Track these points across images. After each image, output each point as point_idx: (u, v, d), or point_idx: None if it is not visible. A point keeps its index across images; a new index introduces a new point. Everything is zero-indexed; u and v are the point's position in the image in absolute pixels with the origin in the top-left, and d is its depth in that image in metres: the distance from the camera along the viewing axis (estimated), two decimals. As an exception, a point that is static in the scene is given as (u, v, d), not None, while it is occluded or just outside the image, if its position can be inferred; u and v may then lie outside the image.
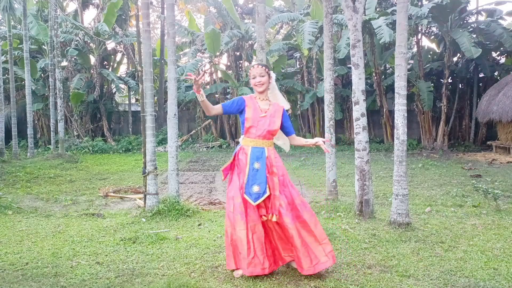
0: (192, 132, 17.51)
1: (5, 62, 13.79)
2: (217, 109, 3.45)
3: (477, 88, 16.19)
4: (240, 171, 3.39)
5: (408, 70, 12.21)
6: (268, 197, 3.33)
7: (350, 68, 10.39)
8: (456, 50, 14.50)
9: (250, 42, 16.51)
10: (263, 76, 3.42)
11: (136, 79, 16.97)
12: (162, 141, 15.77)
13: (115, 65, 19.05)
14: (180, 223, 5.12)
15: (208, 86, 17.79)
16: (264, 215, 3.35)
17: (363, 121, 5.21)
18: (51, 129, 13.19)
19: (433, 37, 16.36)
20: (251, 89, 15.91)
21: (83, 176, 9.42)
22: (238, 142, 15.76)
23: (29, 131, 12.65)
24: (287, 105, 3.61)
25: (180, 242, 4.29)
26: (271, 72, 3.51)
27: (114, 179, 9.18)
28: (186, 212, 5.43)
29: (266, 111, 3.42)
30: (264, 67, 3.44)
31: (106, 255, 3.92)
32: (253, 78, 3.45)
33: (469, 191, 7.10)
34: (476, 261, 3.66)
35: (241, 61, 17.36)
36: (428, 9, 12.47)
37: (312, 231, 3.30)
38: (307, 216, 3.32)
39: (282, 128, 3.50)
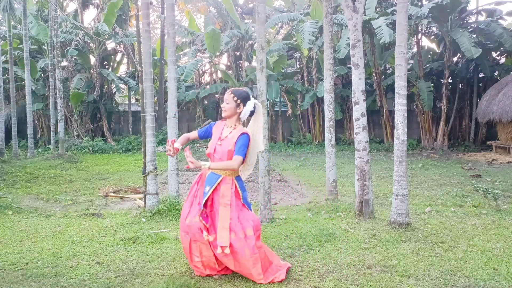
0: (192, 132, 17.48)
1: (5, 62, 13.79)
2: (193, 135, 3.51)
3: (477, 88, 16.19)
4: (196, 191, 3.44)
5: (408, 70, 12.22)
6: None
7: (350, 68, 10.39)
8: (456, 50, 14.49)
9: (250, 42, 16.50)
10: (228, 103, 3.36)
11: (136, 79, 16.96)
12: (162, 141, 15.77)
13: (115, 65, 19.03)
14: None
15: (208, 86, 17.80)
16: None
17: (363, 121, 5.21)
18: (51, 129, 13.19)
19: (433, 37, 16.35)
20: (251, 89, 16.01)
21: (83, 176, 9.41)
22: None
23: (29, 131, 12.64)
24: (261, 147, 3.50)
25: (180, 242, 4.28)
26: (247, 104, 3.37)
27: (114, 179, 9.17)
28: (186, 212, 5.42)
29: (223, 139, 3.36)
30: (233, 96, 3.35)
31: (106, 255, 3.92)
32: (222, 102, 3.47)
33: (469, 191, 7.10)
34: (476, 261, 3.66)
35: (241, 61, 17.35)
36: (428, 9, 12.47)
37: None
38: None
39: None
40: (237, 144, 3.28)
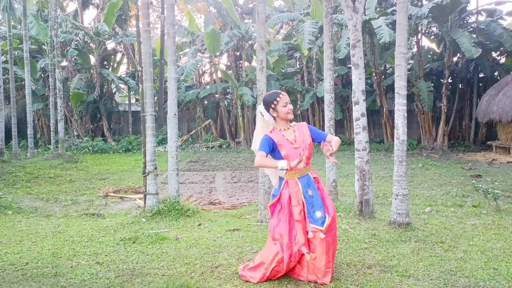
0: (192, 132, 17.51)
1: (5, 62, 13.79)
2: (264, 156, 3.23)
3: (477, 88, 16.19)
4: (285, 207, 3.28)
5: (408, 70, 12.21)
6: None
7: (350, 68, 10.38)
8: (456, 50, 14.50)
9: (250, 42, 16.50)
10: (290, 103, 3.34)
11: (136, 79, 16.97)
12: (162, 141, 15.77)
13: (115, 65, 19.05)
14: (180, 223, 5.12)
15: (208, 86, 17.79)
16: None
17: (363, 121, 5.21)
18: (51, 129, 13.20)
19: (433, 37, 16.36)
20: (251, 89, 15.99)
21: (83, 176, 9.42)
22: (238, 142, 15.72)
23: (29, 131, 12.65)
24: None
25: (180, 242, 4.29)
26: None
27: (114, 179, 9.18)
28: (186, 212, 5.43)
29: (295, 141, 3.28)
30: None
31: (106, 255, 3.92)
32: (285, 106, 3.26)
33: (469, 191, 7.10)
34: (476, 261, 3.66)
35: (241, 61, 17.36)
36: (428, 9, 12.47)
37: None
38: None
39: (314, 141, 3.37)
40: (315, 132, 3.37)
